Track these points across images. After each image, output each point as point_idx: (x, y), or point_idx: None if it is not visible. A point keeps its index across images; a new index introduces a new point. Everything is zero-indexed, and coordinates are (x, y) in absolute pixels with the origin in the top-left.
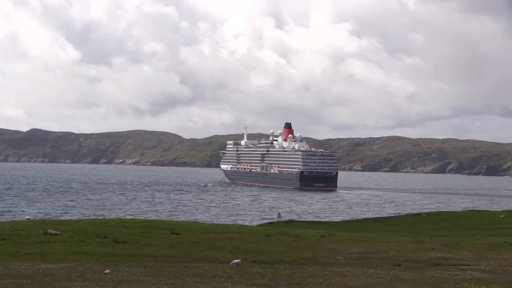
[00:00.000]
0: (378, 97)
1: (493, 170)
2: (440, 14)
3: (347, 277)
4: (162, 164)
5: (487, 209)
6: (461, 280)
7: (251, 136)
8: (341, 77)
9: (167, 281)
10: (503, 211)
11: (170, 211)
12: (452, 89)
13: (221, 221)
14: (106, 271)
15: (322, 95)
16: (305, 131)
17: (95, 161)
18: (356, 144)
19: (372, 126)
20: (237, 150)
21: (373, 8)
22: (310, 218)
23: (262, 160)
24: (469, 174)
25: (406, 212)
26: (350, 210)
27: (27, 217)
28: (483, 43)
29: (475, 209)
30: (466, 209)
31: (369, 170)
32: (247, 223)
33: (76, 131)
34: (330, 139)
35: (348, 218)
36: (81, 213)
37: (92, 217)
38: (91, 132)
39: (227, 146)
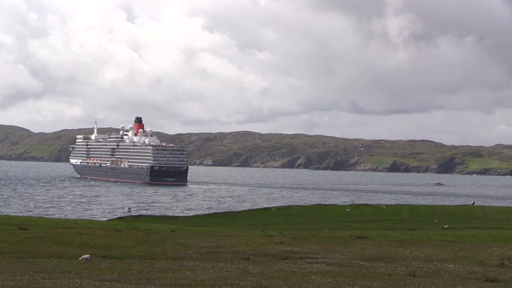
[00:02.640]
0: (231, 92)
1: (340, 165)
2: (291, 11)
3: (197, 271)
4: (9, 158)
5: (334, 203)
6: (308, 273)
7: (101, 131)
8: (194, 71)
9: (13, 278)
10: (349, 205)
11: (18, 206)
12: (303, 84)
13: (70, 216)
14: None
15: (174, 89)
16: (157, 125)
17: None
18: (207, 139)
19: (224, 121)
20: (87, 145)
21: (225, 3)
22: (161, 213)
23: (112, 155)
24: (317, 169)
25: (256, 207)
26: (201, 204)
27: None
28: (334, 39)
29: (323, 203)
30: (314, 203)
31: (219, 165)
32: (97, 218)
33: None
34: (181, 134)
35: (198, 213)
36: None
37: None
38: None
39: (77, 140)
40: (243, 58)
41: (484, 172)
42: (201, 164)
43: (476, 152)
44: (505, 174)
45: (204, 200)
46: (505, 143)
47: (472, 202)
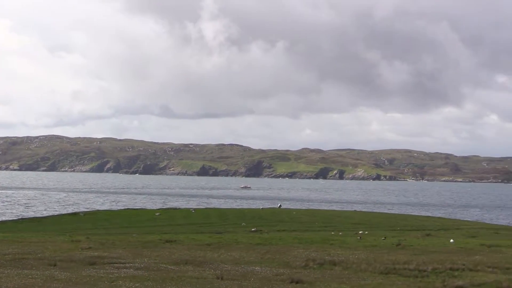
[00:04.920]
0: (39, 95)
1: (150, 169)
2: (102, 13)
3: (1, 279)
4: None
5: (143, 207)
6: (116, 278)
7: None
8: (1, 74)
9: None
10: (159, 209)
11: None
12: (114, 88)
13: None
14: None
15: None
16: None
17: None
18: (13, 143)
19: (32, 125)
20: None
21: (33, 4)
22: None
23: None
24: (126, 173)
25: (64, 211)
26: (5, 210)
27: None
28: (146, 43)
29: (132, 207)
30: (122, 207)
31: (26, 169)
32: None
33: None
34: None
35: (3, 219)
36: None
37: None
38: None
39: None
40: (52, 61)
41: (291, 175)
42: (7, 168)
43: (283, 156)
44: (310, 177)
45: (9, 205)
46: (310, 147)
47: (279, 205)
